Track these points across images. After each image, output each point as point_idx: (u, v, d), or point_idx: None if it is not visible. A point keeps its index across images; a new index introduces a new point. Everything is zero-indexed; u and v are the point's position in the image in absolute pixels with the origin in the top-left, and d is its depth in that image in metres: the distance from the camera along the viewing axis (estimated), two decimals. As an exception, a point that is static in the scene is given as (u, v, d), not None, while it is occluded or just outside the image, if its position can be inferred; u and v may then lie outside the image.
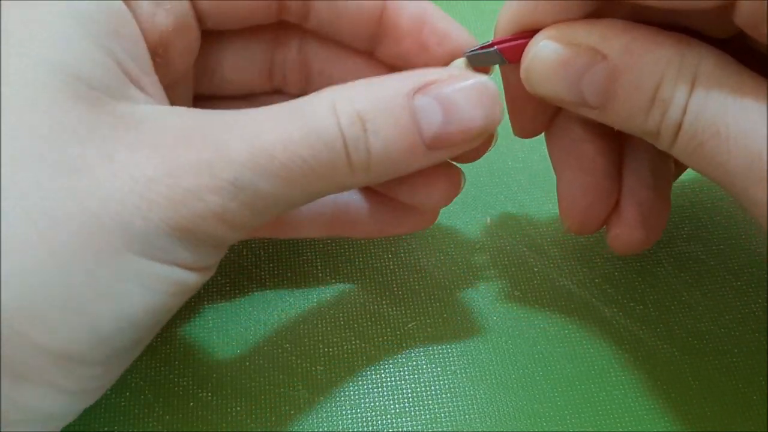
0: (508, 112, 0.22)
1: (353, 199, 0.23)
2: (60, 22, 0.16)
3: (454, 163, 0.22)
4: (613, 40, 0.17)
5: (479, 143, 0.19)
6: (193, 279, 0.17)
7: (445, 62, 0.21)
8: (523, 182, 0.28)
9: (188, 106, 0.22)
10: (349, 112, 0.17)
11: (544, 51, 0.18)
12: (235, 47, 0.22)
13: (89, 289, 0.15)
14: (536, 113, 0.22)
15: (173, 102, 0.20)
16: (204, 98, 0.23)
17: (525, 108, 0.22)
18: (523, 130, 0.23)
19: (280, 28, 0.22)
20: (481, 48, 0.20)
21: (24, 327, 0.15)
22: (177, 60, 0.20)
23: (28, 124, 0.15)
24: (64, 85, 0.16)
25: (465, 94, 0.18)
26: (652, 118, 0.18)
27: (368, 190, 0.23)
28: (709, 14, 0.17)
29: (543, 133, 0.23)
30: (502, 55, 0.19)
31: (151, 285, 0.16)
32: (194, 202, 0.16)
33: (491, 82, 0.18)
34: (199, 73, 0.22)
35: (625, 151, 0.23)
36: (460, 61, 0.20)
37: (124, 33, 0.17)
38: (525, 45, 0.19)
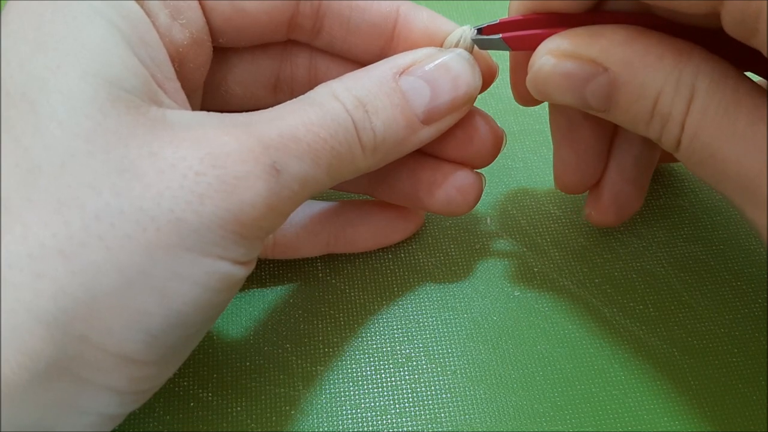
0: (511, 82, 0.23)
1: (349, 218, 0.25)
2: (96, 30, 0.16)
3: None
4: (613, 53, 0.18)
5: (467, 110, 0.21)
6: (239, 273, 0.17)
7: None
8: (523, 182, 0.28)
9: None
10: (349, 97, 0.19)
11: (547, 65, 0.19)
12: (243, 62, 0.23)
13: (143, 288, 0.15)
14: None
15: None
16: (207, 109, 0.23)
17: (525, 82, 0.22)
18: (523, 99, 0.23)
19: (287, 42, 0.23)
20: (489, 26, 0.20)
21: (83, 329, 0.15)
22: (191, 75, 0.20)
23: (74, 129, 0.15)
24: (103, 90, 0.16)
25: (445, 68, 0.20)
26: (653, 129, 0.18)
27: (363, 207, 0.25)
28: (701, 18, 0.17)
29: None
30: (506, 44, 0.20)
31: (202, 281, 0.16)
32: (244, 191, 0.16)
33: (464, 52, 0.20)
34: (206, 87, 0.22)
35: (614, 140, 0.24)
36: (454, 38, 0.21)
37: (148, 40, 0.18)
38: (529, 36, 0.20)
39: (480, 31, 0.21)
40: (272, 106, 0.24)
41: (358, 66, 0.22)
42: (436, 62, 0.20)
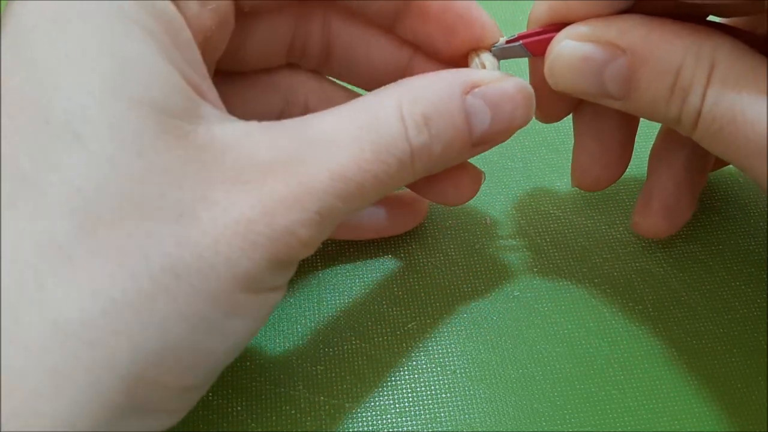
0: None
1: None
2: (132, 43, 0.16)
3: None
4: (630, 34, 0.18)
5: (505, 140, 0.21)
6: (280, 297, 0.18)
7: (468, 47, 0.21)
8: (523, 182, 0.28)
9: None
10: (416, 116, 0.18)
11: (566, 49, 0.19)
12: (261, 25, 0.22)
13: (207, 332, 0.16)
14: (560, 102, 0.23)
15: None
16: (220, 73, 0.23)
17: (549, 97, 0.22)
18: (547, 117, 0.24)
19: (303, 3, 0.22)
20: (507, 42, 0.21)
21: (155, 375, 0.15)
22: (212, 55, 0.20)
23: (128, 170, 0.15)
24: (151, 121, 0.15)
25: (510, 95, 0.19)
26: (673, 106, 0.18)
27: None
28: (744, 8, 0.18)
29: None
30: (527, 50, 0.20)
31: (255, 315, 0.17)
32: (289, 238, 0.17)
33: (528, 84, 0.20)
34: (223, 54, 0.22)
35: (662, 145, 0.24)
36: (488, 55, 0.21)
37: (181, 42, 0.17)
38: (549, 39, 0.20)
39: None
40: (285, 65, 0.24)
41: (372, 27, 0.22)
42: (502, 87, 0.19)
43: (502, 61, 0.21)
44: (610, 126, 0.23)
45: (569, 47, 0.19)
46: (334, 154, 0.17)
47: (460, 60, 0.22)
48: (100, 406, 0.14)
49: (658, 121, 0.20)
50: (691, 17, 0.18)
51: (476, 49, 0.21)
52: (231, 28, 0.20)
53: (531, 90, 0.20)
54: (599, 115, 0.23)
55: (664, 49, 0.18)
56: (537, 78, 0.22)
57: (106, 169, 0.15)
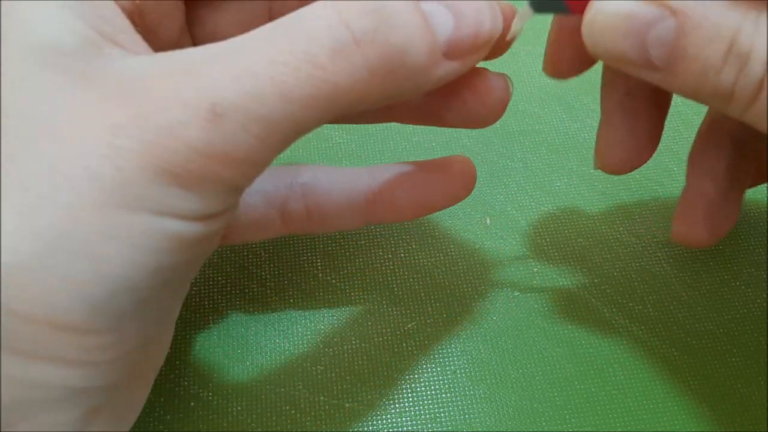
0: (547, 50, 0.21)
1: (387, 182, 0.22)
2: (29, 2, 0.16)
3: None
4: None
5: (483, 55, 0.18)
6: (194, 230, 0.16)
7: None
8: (523, 182, 0.28)
9: None
10: (354, 7, 0.15)
11: (609, 4, 0.17)
12: (231, 5, 0.21)
13: (68, 253, 0.14)
14: (576, 55, 0.21)
15: None
16: None
17: (565, 48, 0.21)
18: (558, 72, 0.21)
19: None
20: None
21: (13, 301, 0.14)
22: (158, 28, 0.19)
23: (11, 107, 0.15)
24: (33, 58, 0.15)
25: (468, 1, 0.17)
26: (726, 76, 0.16)
27: (403, 169, 0.23)
28: None
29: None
30: (565, 4, 0.18)
31: (140, 242, 0.15)
32: (169, 140, 0.14)
33: None
34: (198, 35, 0.21)
35: (701, 149, 0.23)
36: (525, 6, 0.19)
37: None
38: None
39: None
40: None
41: None
42: None
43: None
44: (642, 106, 0.21)
45: (613, 3, 0.17)
46: (239, 54, 0.15)
47: None
48: None
49: (702, 100, 0.18)
50: None
51: None
52: (172, 5, 0.19)
53: None
54: (632, 94, 0.21)
55: (719, 14, 0.16)
56: (559, 26, 0.20)
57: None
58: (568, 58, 0.21)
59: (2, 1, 0.17)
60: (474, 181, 0.23)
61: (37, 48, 0.16)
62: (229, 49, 0.16)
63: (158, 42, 0.19)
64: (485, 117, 0.21)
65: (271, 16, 0.22)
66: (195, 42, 0.22)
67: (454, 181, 0.23)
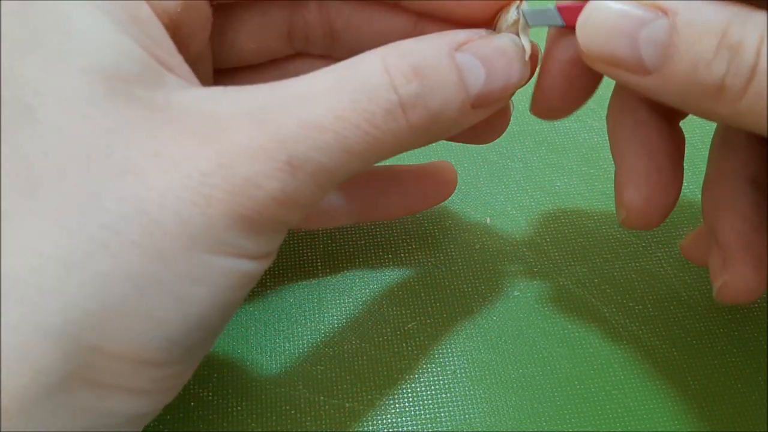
0: (537, 88, 0.21)
1: (380, 185, 0.24)
2: (82, 17, 0.16)
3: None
4: None
5: (506, 103, 0.19)
6: (256, 268, 0.17)
7: (486, 15, 0.20)
8: (523, 182, 0.28)
9: (209, 83, 0.21)
10: (403, 68, 0.17)
11: (602, 5, 0.17)
12: (253, 16, 0.21)
13: (157, 295, 0.15)
14: (570, 88, 0.21)
15: None
16: (225, 71, 0.22)
17: (562, 80, 0.20)
18: (550, 109, 0.21)
19: None
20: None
21: (96, 340, 0.14)
22: (189, 40, 0.19)
23: (73, 133, 0.15)
24: (100, 85, 0.15)
25: (501, 50, 0.18)
26: (716, 67, 0.16)
27: (394, 172, 0.24)
28: None
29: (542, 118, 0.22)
30: (560, 15, 0.19)
31: (218, 282, 0.16)
32: (253, 191, 0.15)
33: (517, 39, 0.19)
34: (216, 47, 0.21)
35: (718, 189, 0.21)
36: (512, 17, 0.19)
37: (141, 18, 0.17)
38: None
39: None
40: (290, 55, 0.23)
41: (371, 7, 0.21)
42: (493, 43, 0.18)
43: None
44: (654, 134, 0.21)
45: (606, 3, 0.17)
46: (306, 104, 0.16)
47: (478, 22, 0.20)
48: (33, 370, 0.14)
49: (692, 103, 0.17)
50: None
51: (505, 7, 0.19)
52: (204, 11, 0.19)
53: (521, 45, 0.19)
54: (640, 122, 0.21)
55: (709, 11, 0.16)
56: (551, 56, 0.20)
57: (53, 135, 0.15)
58: (560, 91, 0.21)
59: (46, 8, 0.16)
60: (454, 187, 0.25)
61: (95, 71, 0.15)
62: (296, 95, 0.16)
63: (187, 55, 0.19)
64: (488, 138, 0.22)
65: (290, 33, 0.22)
66: (214, 54, 0.22)
67: (439, 186, 0.25)
